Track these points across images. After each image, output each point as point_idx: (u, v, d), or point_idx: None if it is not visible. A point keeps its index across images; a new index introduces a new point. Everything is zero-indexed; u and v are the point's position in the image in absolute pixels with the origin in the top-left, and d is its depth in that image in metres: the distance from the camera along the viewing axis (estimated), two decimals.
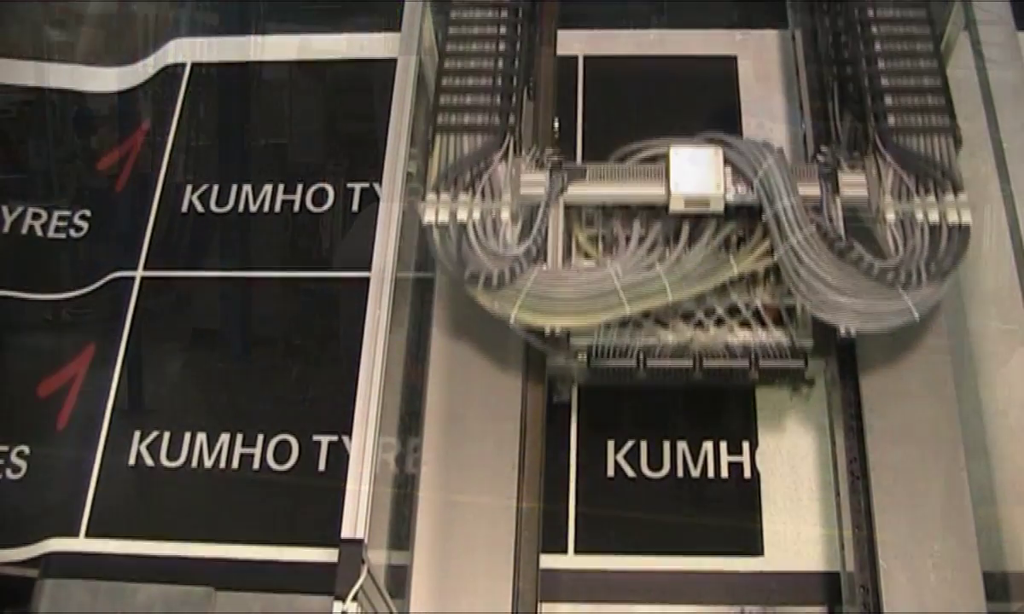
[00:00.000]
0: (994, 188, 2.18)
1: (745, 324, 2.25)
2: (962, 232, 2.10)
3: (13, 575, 2.49)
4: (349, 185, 2.97)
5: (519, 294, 2.09)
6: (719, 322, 2.25)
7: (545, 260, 2.19)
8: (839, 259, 2.07)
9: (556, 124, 2.71)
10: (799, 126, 2.81)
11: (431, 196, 2.20)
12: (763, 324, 2.25)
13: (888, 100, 2.26)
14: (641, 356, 2.25)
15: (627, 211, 2.26)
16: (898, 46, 2.33)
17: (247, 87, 3.20)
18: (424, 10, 2.43)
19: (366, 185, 2.96)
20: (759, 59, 3.07)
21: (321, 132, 3.10)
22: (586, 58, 3.12)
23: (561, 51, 2.88)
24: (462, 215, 2.17)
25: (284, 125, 3.12)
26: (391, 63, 2.43)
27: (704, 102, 3.05)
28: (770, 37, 3.11)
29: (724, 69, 3.07)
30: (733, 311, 2.26)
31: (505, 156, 2.25)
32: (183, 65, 3.21)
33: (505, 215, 2.19)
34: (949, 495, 2.17)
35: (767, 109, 2.98)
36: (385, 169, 2.27)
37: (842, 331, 2.08)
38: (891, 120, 2.24)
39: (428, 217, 2.17)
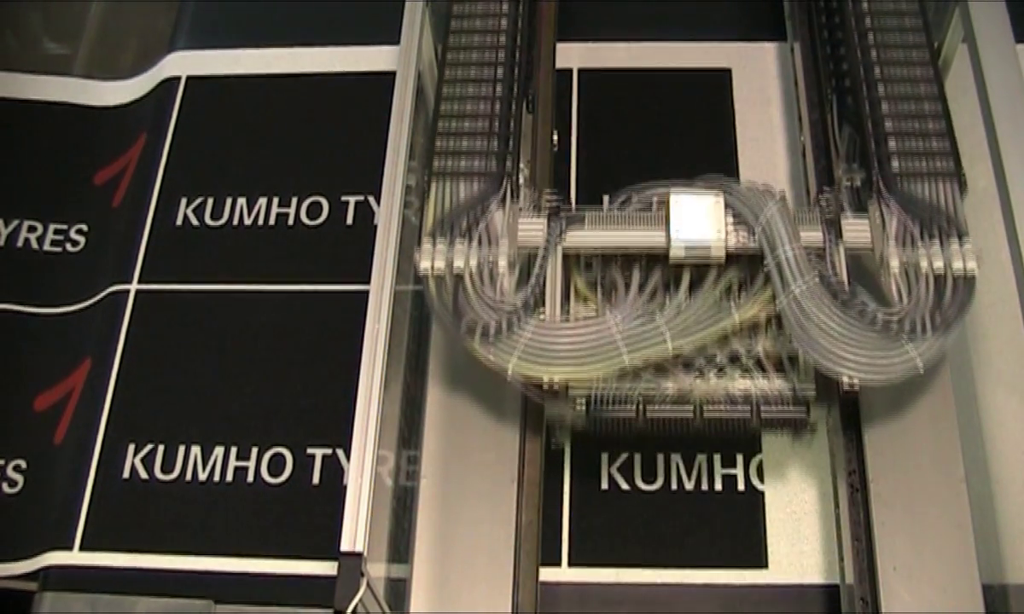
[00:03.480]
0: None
1: (746, 372, 2.19)
2: (968, 281, 2.09)
3: (13, 588, 2.48)
4: (343, 198, 2.96)
5: (517, 346, 2.07)
6: (720, 371, 2.19)
7: (543, 309, 2.16)
8: (842, 309, 2.05)
9: (555, 137, 2.72)
10: (797, 138, 2.82)
11: (427, 244, 2.17)
12: (764, 372, 2.19)
13: (892, 144, 2.25)
14: (641, 405, 2.19)
15: (626, 257, 2.24)
16: (902, 89, 2.32)
17: (242, 100, 3.19)
18: (423, 23, 2.42)
19: (360, 198, 2.95)
20: (755, 72, 3.09)
21: (315, 145, 3.10)
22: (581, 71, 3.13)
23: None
24: (459, 263, 2.15)
25: (279, 138, 3.11)
26: (389, 76, 2.43)
27: (698, 116, 3.06)
28: (767, 50, 3.13)
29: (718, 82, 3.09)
30: (734, 359, 2.20)
31: (502, 202, 2.23)
32: (178, 78, 3.21)
33: (503, 263, 2.16)
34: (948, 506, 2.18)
35: (762, 122, 3.00)
36: (384, 181, 2.27)
37: (845, 383, 2.05)
38: (895, 165, 2.22)
39: (424, 265, 2.15)
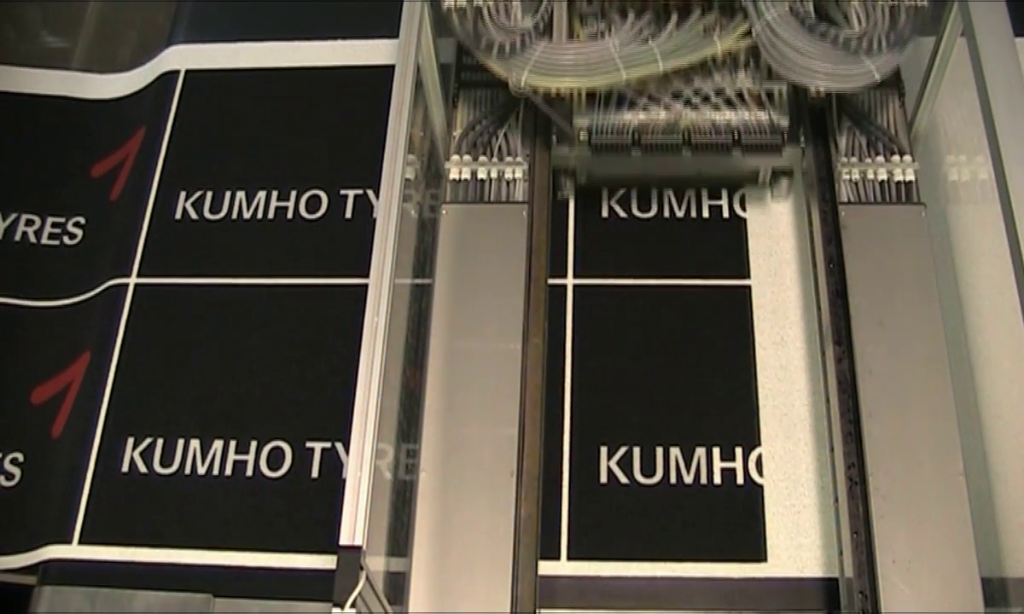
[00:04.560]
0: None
1: (730, 104, 2.54)
2: (919, 11, 2.41)
3: (11, 582, 2.49)
4: (342, 192, 2.96)
5: (528, 62, 2.40)
6: (706, 100, 2.54)
7: (551, 38, 2.48)
8: (809, 32, 2.36)
9: None
10: None
11: None
12: (746, 105, 2.54)
13: None
14: (636, 135, 2.54)
15: (622, 10, 2.54)
16: None
17: (241, 93, 3.19)
18: (423, 16, 2.43)
19: (359, 191, 2.95)
20: None
21: (314, 139, 3.09)
22: None
23: None
24: None
25: (278, 131, 3.11)
26: (388, 70, 2.43)
27: None
28: None
29: None
30: (719, 92, 2.55)
31: None
32: (177, 72, 3.21)
33: None
34: (947, 500, 2.18)
35: None
36: (383, 175, 2.27)
37: (813, 91, 2.42)
38: None
39: (447, 3, 2.51)
